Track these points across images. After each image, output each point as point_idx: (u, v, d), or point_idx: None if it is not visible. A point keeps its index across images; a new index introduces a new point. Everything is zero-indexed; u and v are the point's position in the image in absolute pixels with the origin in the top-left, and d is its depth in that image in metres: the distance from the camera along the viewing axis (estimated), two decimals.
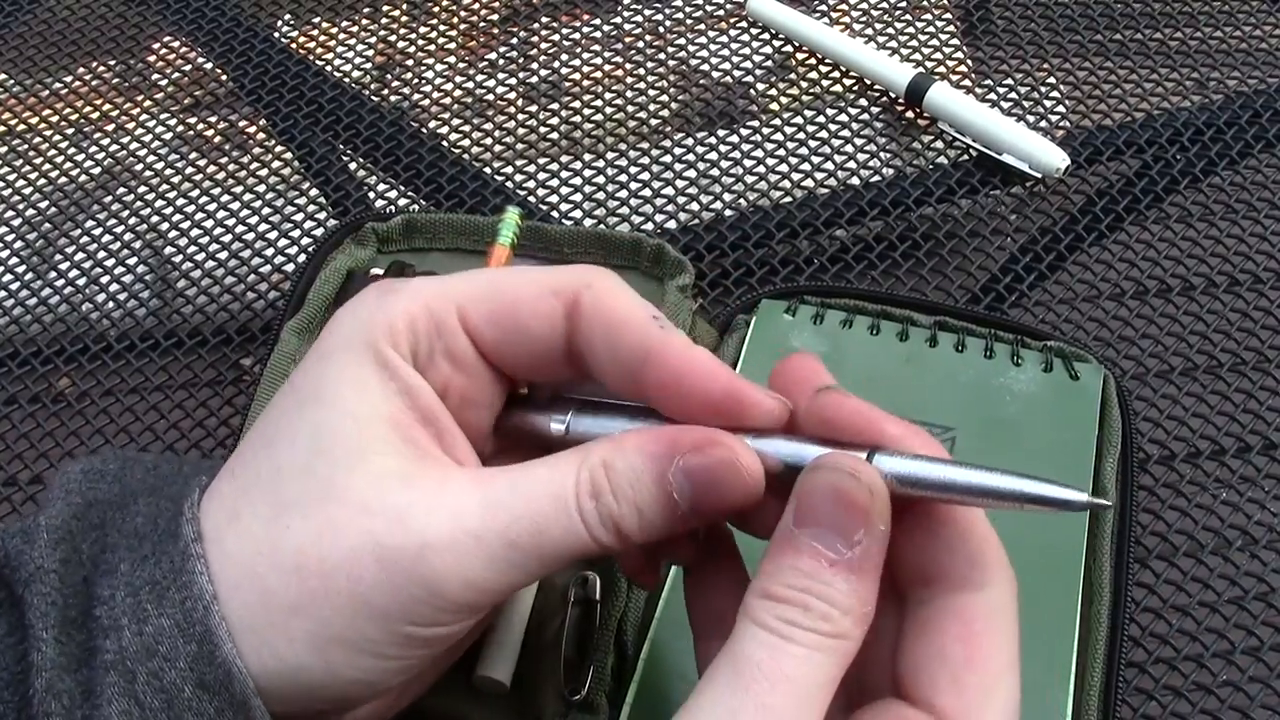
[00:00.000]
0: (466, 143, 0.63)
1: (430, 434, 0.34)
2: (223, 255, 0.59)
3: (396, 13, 0.70)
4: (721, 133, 0.62)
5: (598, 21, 0.68)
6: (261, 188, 0.62)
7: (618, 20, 0.68)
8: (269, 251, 0.59)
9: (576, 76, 0.65)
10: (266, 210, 0.61)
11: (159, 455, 0.44)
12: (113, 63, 0.68)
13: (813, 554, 0.30)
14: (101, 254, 0.60)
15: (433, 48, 0.68)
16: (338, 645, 0.31)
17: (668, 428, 0.33)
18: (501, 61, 0.67)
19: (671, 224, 0.59)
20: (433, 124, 0.64)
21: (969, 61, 0.64)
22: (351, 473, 0.32)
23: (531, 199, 0.60)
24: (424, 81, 0.66)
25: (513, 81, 0.66)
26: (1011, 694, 0.30)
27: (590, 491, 0.32)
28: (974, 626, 0.31)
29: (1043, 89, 0.63)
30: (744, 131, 0.62)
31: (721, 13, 0.68)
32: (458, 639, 0.34)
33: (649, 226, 0.59)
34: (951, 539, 0.32)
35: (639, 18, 0.68)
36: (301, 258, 0.59)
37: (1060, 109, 0.62)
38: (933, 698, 0.30)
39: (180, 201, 0.61)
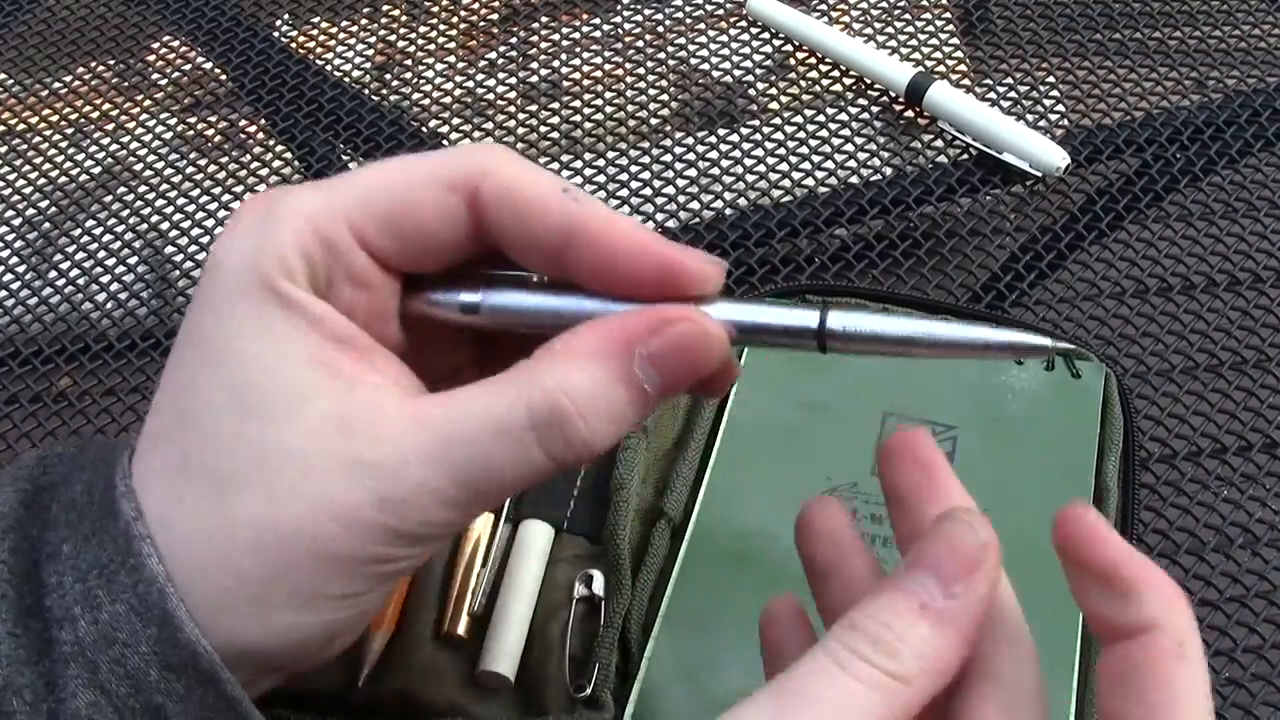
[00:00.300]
0: (467, 142, 0.63)
1: (352, 358, 0.31)
2: None
3: (396, 12, 0.70)
4: (722, 132, 0.62)
5: (597, 21, 0.68)
6: (261, 188, 0.62)
7: (617, 20, 0.68)
8: None
9: (576, 76, 0.65)
10: None
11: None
12: (112, 62, 0.68)
13: (908, 595, 0.28)
14: (101, 253, 0.60)
15: (432, 47, 0.68)
16: (320, 600, 0.31)
17: (609, 320, 0.30)
18: (501, 61, 0.67)
19: (672, 223, 0.59)
20: (433, 124, 0.64)
21: (969, 61, 0.64)
22: (285, 430, 0.30)
23: None
24: (424, 81, 0.66)
25: (512, 81, 0.66)
26: None
27: (549, 420, 0.29)
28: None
29: (1042, 88, 0.63)
30: (744, 131, 0.62)
31: (721, 12, 0.68)
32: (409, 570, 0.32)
33: (649, 226, 0.59)
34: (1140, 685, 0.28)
35: (639, 17, 0.68)
36: None
37: (1060, 108, 0.62)
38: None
39: (180, 201, 0.61)
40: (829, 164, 0.60)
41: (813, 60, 0.65)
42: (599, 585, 0.43)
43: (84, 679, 0.30)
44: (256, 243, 0.31)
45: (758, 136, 0.62)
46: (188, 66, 0.68)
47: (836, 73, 0.64)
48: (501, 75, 0.66)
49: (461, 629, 0.42)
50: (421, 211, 0.31)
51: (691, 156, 0.61)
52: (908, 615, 0.28)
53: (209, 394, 0.31)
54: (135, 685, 0.30)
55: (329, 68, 0.67)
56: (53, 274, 0.59)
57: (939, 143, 0.60)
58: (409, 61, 0.67)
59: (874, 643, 0.27)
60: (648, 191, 0.60)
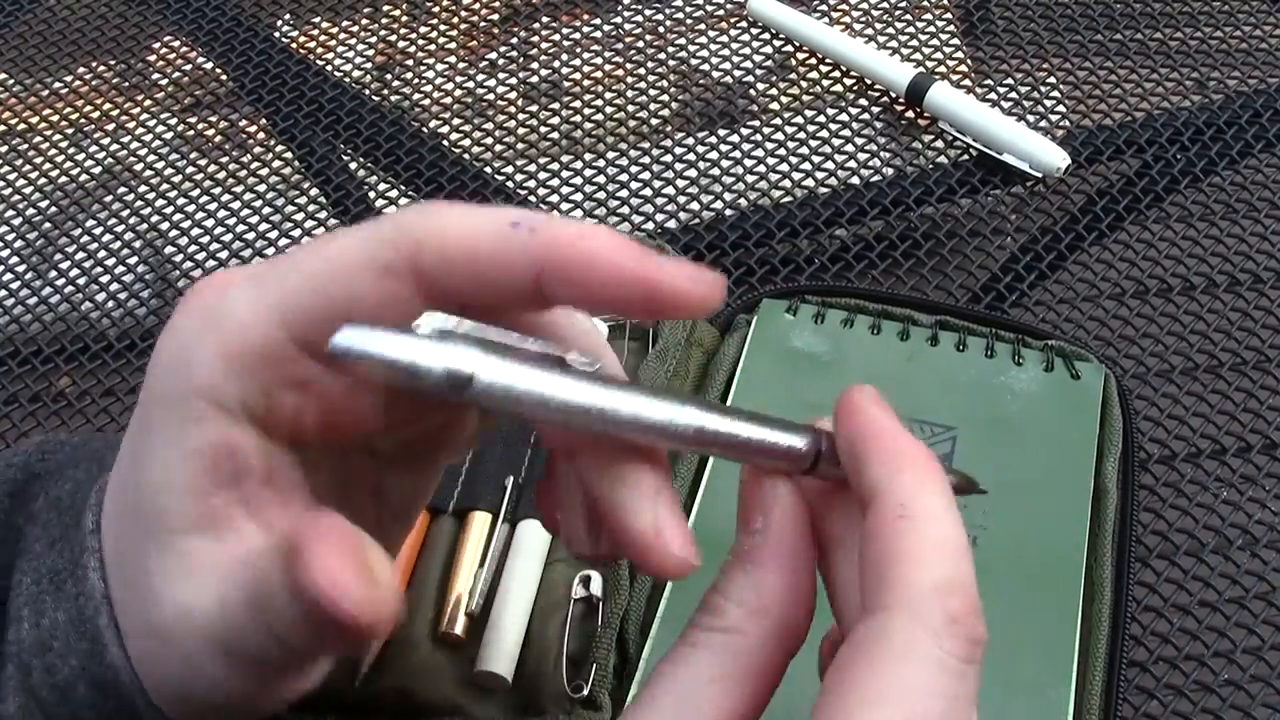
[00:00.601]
0: (467, 142, 0.63)
1: (233, 496, 0.29)
2: (223, 255, 0.59)
3: (396, 13, 0.70)
4: (722, 132, 0.62)
5: (598, 21, 0.68)
6: (262, 187, 0.62)
7: (618, 20, 0.68)
8: (269, 251, 0.59)
9: (577, 76, 0.65)
10: (267, 210, 0.61)
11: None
12: (113, 63, 0.68)
13: (731, 556, 0.28)
14: (101, 253, 0.60)
15: (433, 48, 0.68)
16: (213, 678, 0.29)
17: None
18: (501, 61, 0.67)
19: (672, 223, 0.59)
20: (433, 124, 0.64)
21: (969, 61, 0.64)
22: (155, 553, 0.29)
23: (532, 199, 0.60)
24: (424, 81, 0.66)
25: (513, 81, 0.66)
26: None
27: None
28: (852, 651, 0.25)
29: (1043, 89, 0.63)
30: (744, 131, 0.62)
31: (722, 13, 0.68)
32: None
33: (649, 226, 0.58)
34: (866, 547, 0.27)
35: (639, 18, 0.68)
36: None
37: (1060, 109, 0.62)
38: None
39: (180, 201, 0.61)
40: (829, 164, 0.60)
41: (813, 61, 0.65)
42: (597, 586, 0.43)
43: (17, 681, 0.30)
44: (189, 354, 0.29)
45: (758, 137, 0.62)
46: (188, 67, 0.68)
47: (837, 73, 0.64)
48: (502, 75, 0.66)
49: (459, 629, 0.42)
50: (365, 305, 0.28)
51: (692, 157, 0.61)
52: (728, 570, 0.28)
53: (126, 479, 0.30)
54: (63, 696, 0.30)
55: (329, 68, 0.67)
56: (53, 274, 0.59)
57: (939, 143, 0.60)
58: (409, 62, 0.67)
59: (708, 610, 0.27)
60: (647, 192, 0.60)
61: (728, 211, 0.59)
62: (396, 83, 0.66)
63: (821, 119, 0.62)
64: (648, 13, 0.68)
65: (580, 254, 0.27)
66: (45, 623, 0.30)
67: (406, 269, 0.27)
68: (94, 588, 0.30)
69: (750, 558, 0.28)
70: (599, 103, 0.64)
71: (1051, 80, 0.63)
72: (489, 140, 0.63)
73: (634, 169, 0.61)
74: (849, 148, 0.61)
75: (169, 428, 0.29)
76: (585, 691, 0.41)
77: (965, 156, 0.60)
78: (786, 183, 0.60)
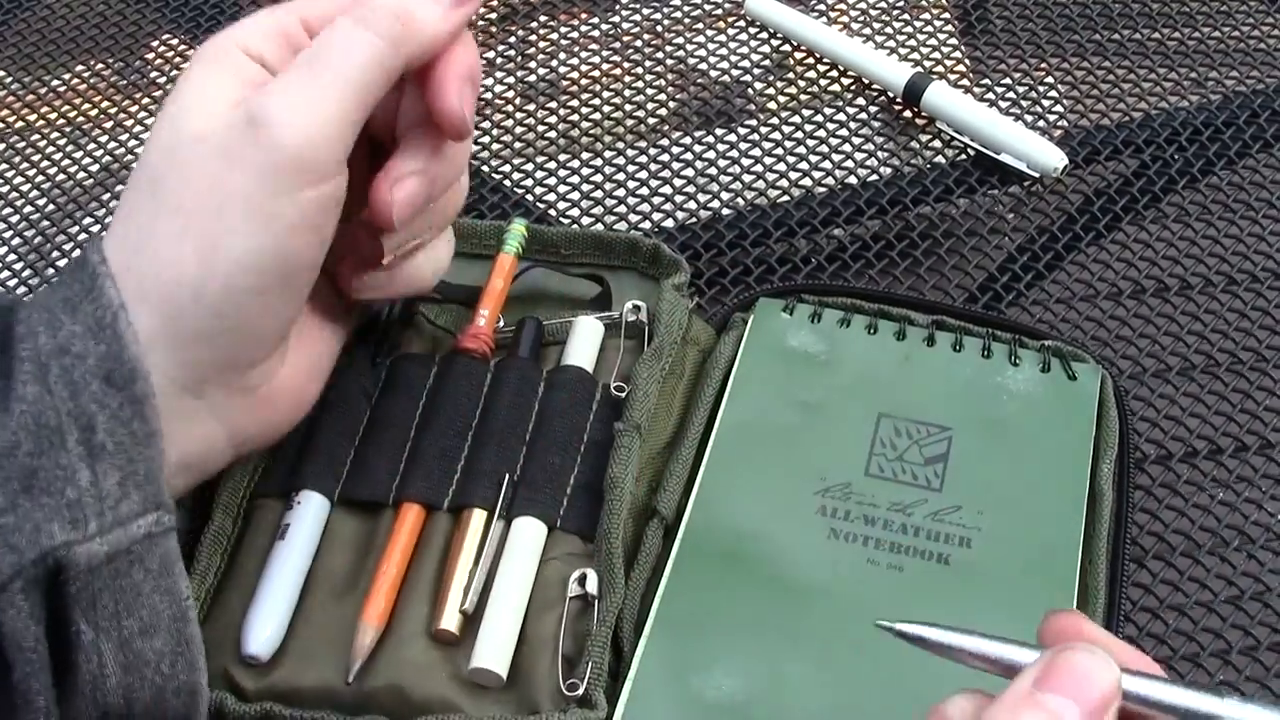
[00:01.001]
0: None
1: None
2: None
3: None
4: (719, 131, 0.62)
5: (596, 20, 0.68)
6: None
7: (616, 19, 0.68)
8: None
9: (574, 75, 0.66)
10: None
11: None
12: (111, 61, 0.69)
13: (1050, 715, 0.29)
14: None
15: None
16: (221, 247, 0.37)
17: None
18: (500, 60, 0.67)
19: (669, 222, 0.59)
20: None
21: (967, 61, 0.64)
22: (195, 122, 0.38)
23: (529, 197, 0.60)
24: None
25: (511, 80, 0.66)
26: None
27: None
28: None
29: (1041, 89, 0.63)
30: (742, 130, 0.62)
31: (720, 12, 0.68)
32: (318, 236, 0.39)
33: (646, 225, 0.59)
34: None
35: (637, 17, 0.68)
36: None
37: (1058, 109, 0.62)
38: None
39: None
40: (826, 164, 0.60)
41: (811, 60, 0.65)
42: (592, 584, 0.43)
43: (33, 375, 0.35)
44: (227, 31, 0.40)
45: (755, 136, 0.62)
46: (187, 65, 0.68)
47: (834, 73, 0.64)
48: (500, 74, 0.66)
49: (454, 626, 0.42)
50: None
51: (689, 156, 0.61)
52: None
53: (155, 134, 0.39)
54: (74, 391, 0.35)
55: None
56: (50, 272, 0.59)
57: (937, 143, 0.60)
58: None
59: None
60: (645, 191, 0.60)
61: (725, 211, 0.59)
62: None
63: (819, 118, 0.62)
64: (646, 12, 0.68)
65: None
66: (63, 334, 0.36)
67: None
68: (111, 299, 0.36)
69: None
70: (596, 102, 0.64)
71: (1049, 80, 0.63)
72: (486, 139, 0.63)
73: (631, 168, 0.61)
74: (846, 147, 0.61)
75: (206, 68, 0.39)
76: (581, 690, 0.41)
77: (963, 156, 0.60)
78: (784, 182, 0.60)
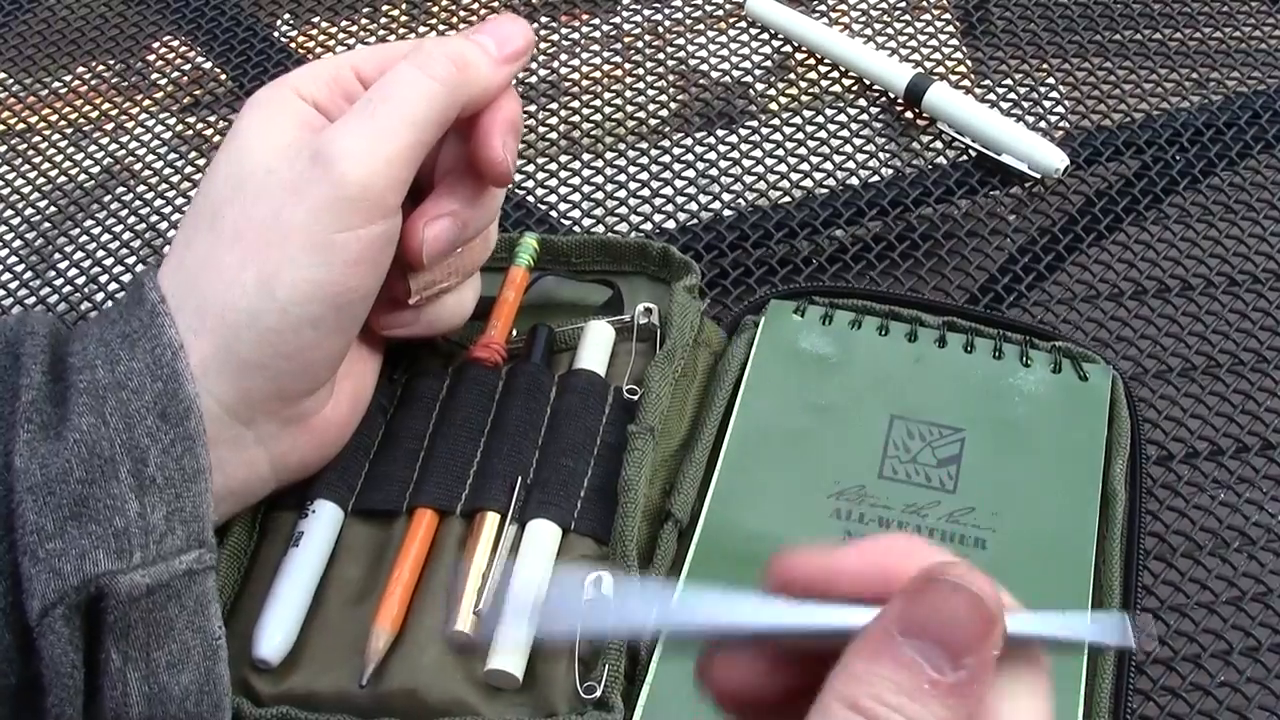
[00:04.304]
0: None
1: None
2: None
3: (396, 13, 0.70)
4: (720, 133, 0.62)
5: (597, 21, 0.68)
6: None
7: (617, 20, 0.68)
8: None
9: (576, 76, 0.66)
10: None
11: None
12: (113, 62, 0.68)
13: (914, 670, 0.26)
14: (101, 254, 0.60)
15: None
16: (280, 278, 0.38)
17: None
18: None
19: (670, 224, 0.59)
20: None
21: (968, 62, 0.64)
22: (260, 155, 0.40)
23: (530, 199, 0.60)
24: None
25: (513, 81, 0.65)
26: None
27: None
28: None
29: (1042, 89, 0.63)
30: (743, 131, 0.62)
31: (721, 13, 0.68)
32: (374, 272, 0.40)
33: (648, 226, 0.59)
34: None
35: (638, 18, 0.68)
36: None
37: (1060, 109, 0.62)
38: None
39: (180, 201, 0.61)
40: (828, 165, 0.60)
41: (812, 61, 0.65)
42: (608, 586, 0.43)
43: (90, 406, 0.36)
44: (284, 76, 0.42)
45: (756, 137, 0.62)
46: (188, 66, 0.68)
47: (836, 73, 0.64)
48: None
49: (468, 628, 0.42)
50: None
51: (690, 157, 0.61)
52: (920, 694, 0.26)
53: (214, 172, 0.40)
54: (129, 424, 0.36)
55: None
56: (51, 274, 0.59)
57: (938, 144, 0.61)
58: None
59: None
60: (646, 192, 0.60)
61: (726, 212, 0.59)
62: None
63: (820, 119, 0.62)
64: (647, 13, 0.68)
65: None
66: (120, 369, 0.37)
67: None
68: (171, 339, 0.38)
69: (954, 692, 0.26)
70: (598, 103, 0.64)
71: (1050, 81, 0.63)
72: None
73: (632, 169, 0.61)
74: (848, 148, 0.61)
75: (266, 110, 0.42)
76: (598, 693, 0.41)
77: (964, 157, 0.60)
78: (785, 183, 0.60)
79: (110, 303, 0.58)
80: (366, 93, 0.40)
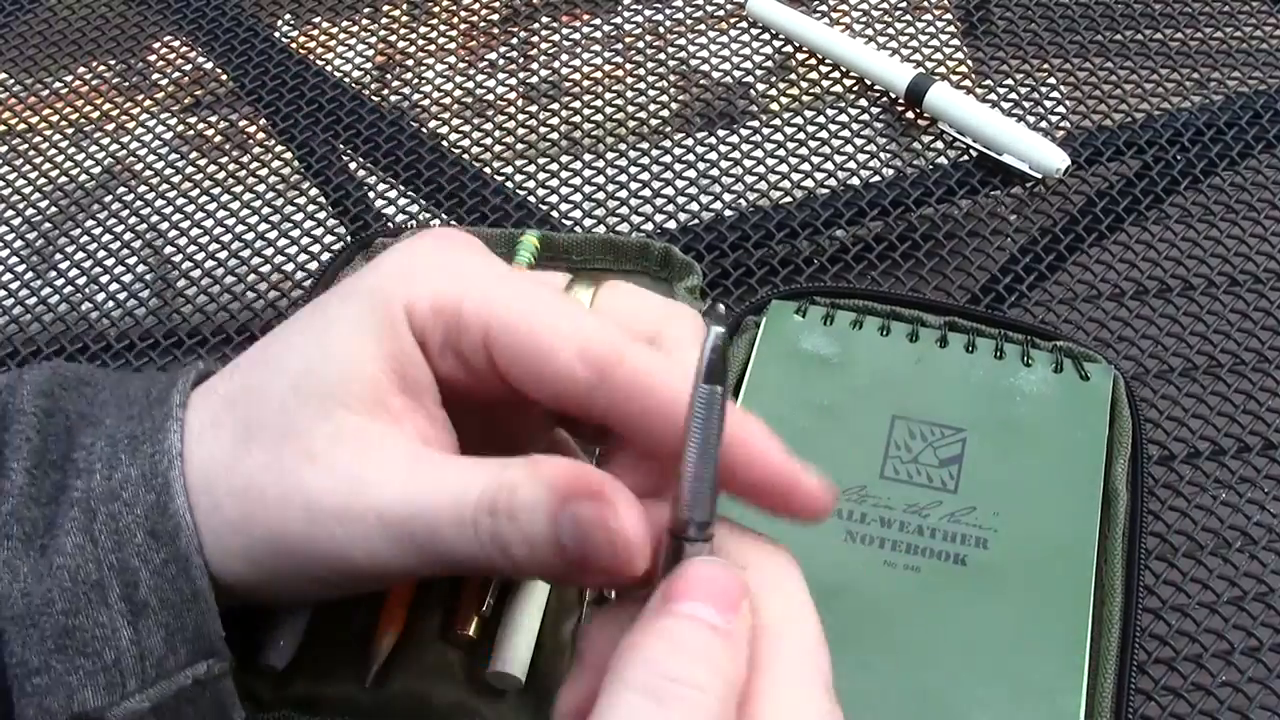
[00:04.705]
0: (466, 143, 0.63)
1: (409, 404, 0.34)
2: (223, 255, 0.59)
3: (396, 13, 0.70)
4: (721, 133, 0.62)
5: (598, 22, 0.68)
6: (261, 188, 0.62)
7: (618, 20, 0.68)
8: (269, 251, 0.59)
9: (576, 77, 0.65)
10: (266, 210, 0.61)
11: None
12: (113, 62, 0.68)
13: (692, 622, 0.28)
14: (101, 254, 0.60)
15: (433, 48, 0.68)
16: (260, 569, 0.34)
17: (582, 465, 0.31)
18: (501, 61, 0.67)
19: (671, 224, 0.59)
20: (433, 124, 0.64)
21: (969, 62, 0.64)
22: (315, 420, 0.33)
23: (531, 199, 0.60)
24: (424, 81, 0.66)
25: (513, 82, 0.66)
26: (802, 638, 0.31)
27: (489, 508, 0.31)
28: None
29: (1043, 89, 0.63)
30: (744, 132, 0.62)
31: (721, 13, 0.68)
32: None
33: (648, 227, 0.59)
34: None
35: (639, 18, 0.68)
36: (301, 257, 0.59)
37: (1060, 109, 0.62)
38: None
39: (180, 201, 0.61)
40: (829, 165, 0.60)
41: (813, 61, 0.65)
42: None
43: (79, 522, 0.33)
44: (410, 273, 0.35)
45: (757, 138, 0.62)
46: (188, 67, 0.68)
47: (837, 74, 0.64)
48: (502, 76, 0.66)
49: (471, 630, 0.42)
50: (551, 365, 0.33)
51: (691, 157, 0.61)
52: (700, 654, 0.28)
53: (288, 353, 0.35)
54: (120, 542, 0.33)
55: (329, 68, 0.67)
56: (52, 274, 0.59)
57: (939, 144, 0.61)
58: (409, 62, 0.67)
59: (682, 682, 0.28)
60: (647, 193, 0.60)
61: (727, 212, 0.59)
62: (396, 83, 0.66)
63: (821, 119, 0.62)
64: (648, 13, 0.68)
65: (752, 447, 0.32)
66: (118, 476, 0.34)
67: (600, 369, 0.33)
68: (171, 445, 0.34)
69: (733, 637, 0.29)
70: (599, 103, 0.64)
71: (1051, 81, 0.63)
72: (489, 140, 0.63)
73: (633, 169, 0.61)
74: (848, 148, 0.61)
75: (367, 320, 0.34)
76: None
77: (965, 157, 0.60)
78: (786, 183, 0.60)
79: (111, 303, 0.58)
80: (411, 520, 0.32)
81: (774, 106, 0.63)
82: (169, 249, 0.60)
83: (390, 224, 0.59)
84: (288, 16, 0.70)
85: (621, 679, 0.28)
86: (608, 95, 0.64)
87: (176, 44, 0.69)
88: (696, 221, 0.59)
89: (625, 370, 0.32)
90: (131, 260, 0.59)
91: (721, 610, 0.29)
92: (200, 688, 0.34)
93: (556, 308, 0.34)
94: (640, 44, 0.67)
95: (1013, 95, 0.63)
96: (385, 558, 0.32)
